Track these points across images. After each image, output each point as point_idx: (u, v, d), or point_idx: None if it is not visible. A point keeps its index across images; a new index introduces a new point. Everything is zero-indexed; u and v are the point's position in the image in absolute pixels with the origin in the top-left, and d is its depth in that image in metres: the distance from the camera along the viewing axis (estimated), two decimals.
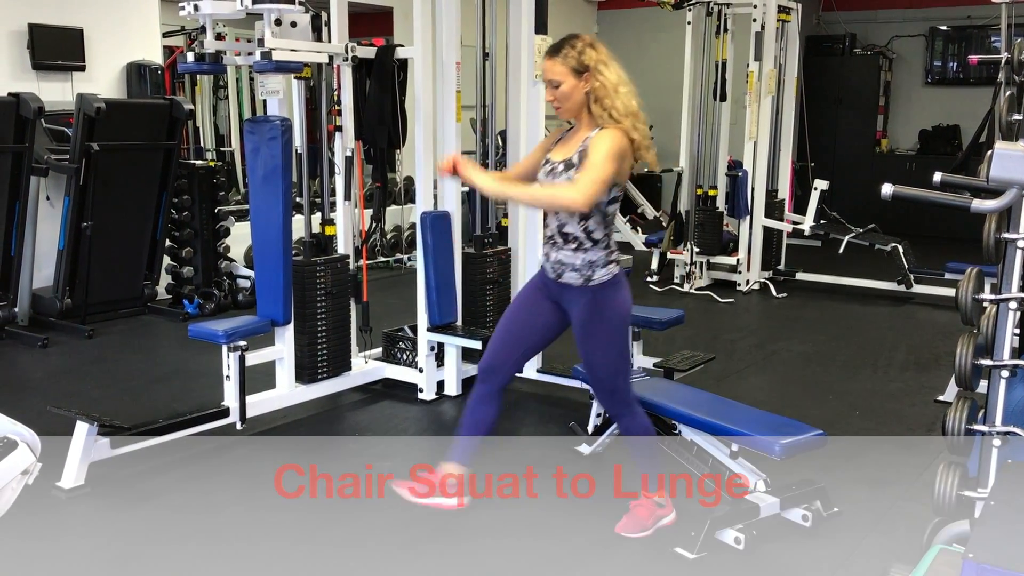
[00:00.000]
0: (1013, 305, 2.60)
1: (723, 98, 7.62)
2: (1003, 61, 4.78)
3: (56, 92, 6.36)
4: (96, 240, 6.03)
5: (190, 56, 3.97)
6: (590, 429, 4.04)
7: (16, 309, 5.94)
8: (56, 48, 6.39)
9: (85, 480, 3.58)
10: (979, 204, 2.57)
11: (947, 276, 6.95)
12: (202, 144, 8.23)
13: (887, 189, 2.67)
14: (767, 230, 7.76)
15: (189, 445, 4.00)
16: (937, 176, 2.67)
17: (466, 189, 5.42)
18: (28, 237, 5.99)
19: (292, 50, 4.07)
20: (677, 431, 3.54)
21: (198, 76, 8.15)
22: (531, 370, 4.85)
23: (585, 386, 4.09)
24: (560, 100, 3.06)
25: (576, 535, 3.30)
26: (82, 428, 3.58)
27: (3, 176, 5.65)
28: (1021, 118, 3.06)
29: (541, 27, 4.72)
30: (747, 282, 7.65)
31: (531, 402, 4.76)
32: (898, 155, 11.25)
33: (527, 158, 3.38)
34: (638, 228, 9.55)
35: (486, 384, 3.30)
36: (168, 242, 6.68)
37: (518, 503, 3.53)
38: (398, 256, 8.30)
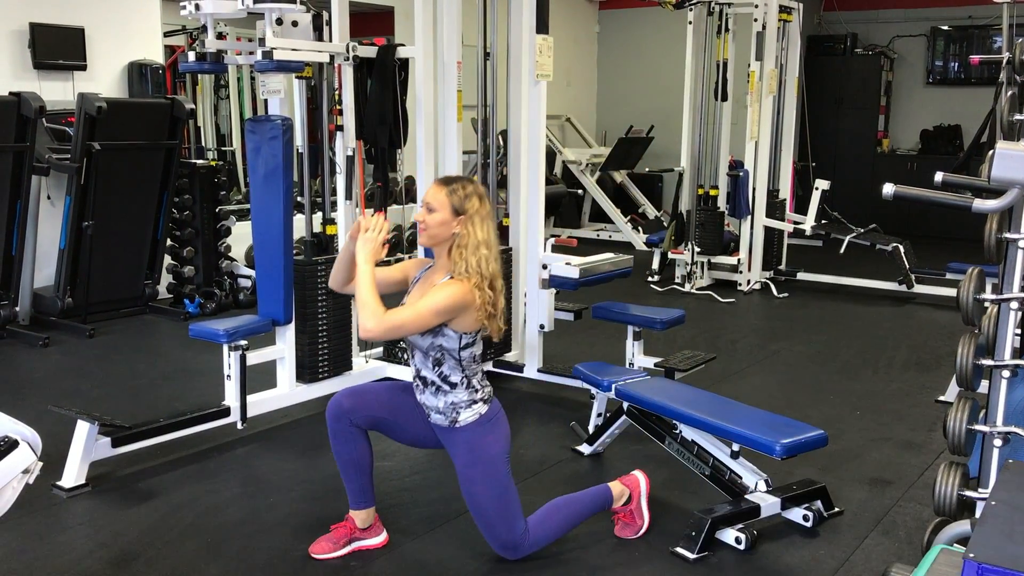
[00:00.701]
0: (1014, 305, 2.60)
1: (724, 98, 7.61)
2: (1004, 61, 4.77)
3: (57, 91, 6.36)
4: (97, 239, 6.04)
5: (191, 55, 3.97)
6: (591, 429, 4.04)
7: (17, 308, 5.95)
8: (57, 47, 6.39)
9: (86, 479, 3.59)
10: (980, 204, 2.57)
11: (948, 276, 6.95)
12: (203, 143, 8.23)
13: (888, 189, 2.67)
14: (768, 230, 7.75)
15: (190, 444, 4.00)
16: (938, 176, 2.67)
17: None
18: (29, 236, 5.99)
19: (293, 49, 4.06)
20: (678, 431, 3.54)
21: (199, 75, 8.15)
22: (532, 370, 4.86)
23: (585, 386, 4.09)
24: (428, 226, 2.94)
25: (575, 533, 3.29)
26: (83, 427, 3.58)
27: (4, 175, 5.65)
28: (1023, 118, 3.06)
29: (542, 27, 4.72)
30: (748, 282, 7.65)
31: (532, 402, 4.76)
32: (899, 155, 11.25)
33: (390, 272, 3.18)
34: (639, 228, 9.56)
35: (339, 424, 3.08)
36: (169, 241, 6.68)
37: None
38: (399, 256, 8.29)
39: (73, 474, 3.56)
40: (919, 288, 7.31)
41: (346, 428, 3.06)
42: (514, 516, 3.02)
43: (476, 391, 3.01)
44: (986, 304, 2.69)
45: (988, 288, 2.70)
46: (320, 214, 4.66)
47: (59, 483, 3.55)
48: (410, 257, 8.09)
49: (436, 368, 2.97)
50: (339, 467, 3.13)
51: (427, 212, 2.96)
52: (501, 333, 3.05)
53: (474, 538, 3.23)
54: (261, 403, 4.28)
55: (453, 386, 2.98)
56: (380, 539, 3.19)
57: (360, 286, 2.87)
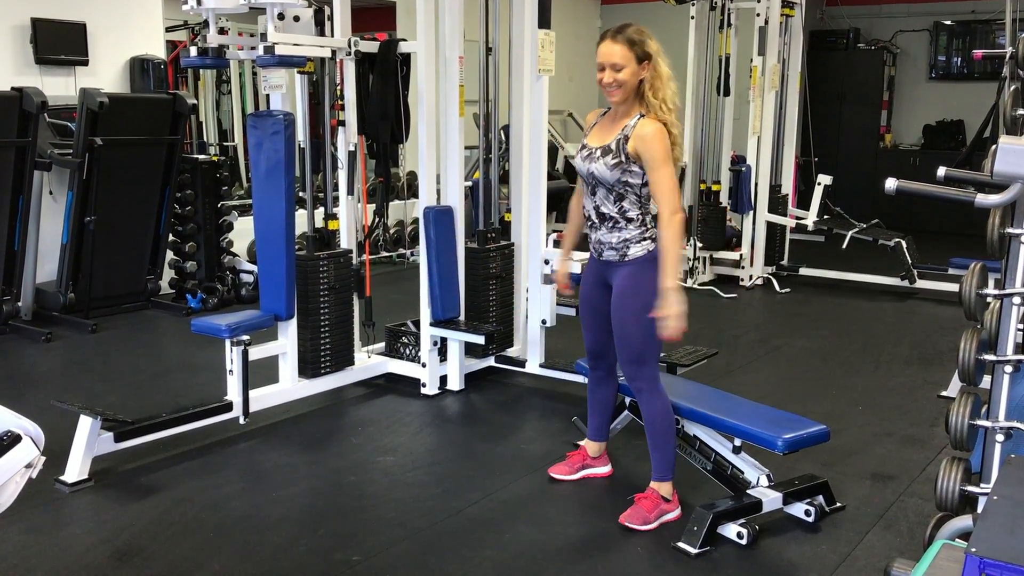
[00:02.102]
0: (1017, 300, 2.60)
1: (727, 93, 7.60)
2: (1008, 56, 4.76)
3: (59, 86, 6.36)
4: (99, 235, 6.04)
5: (193, 50, 3.97)
6: None
7: (20, 303, 5.95)
8: (59, 42, 6.39)
9: (88, 474, 3.60)
10: (983, 199, 2.57)
11: (951, 271, 6.95)
12: (205, 139, 8.23)
13: (891, 184, 2.67)
14: (770, 225, 7.75)
15: (192, 439, 4.01)
16: (941, 171, 2.67)
17: (468, 184, 5.44)
18: (31, 232, 5.99)
19: (295, 44, 4.07)
20: (680, 426, 3.54)
21: (201, 71, 8.15)
22: (534, 365, 4.86)
23: (586, 380, 4.09)
24: (623, 82, 3.10)
25: (578, 528, 3.30)
26: (86, 422, 3.59)
27: (7, 171, 5.65)
28: None
29: (544, 22, 4.71)
30: (750, 277, 7.64)
31: (534, 397, 4.76)
32: (902, 150, 11.23)
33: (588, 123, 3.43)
34: None
35: (597, 369, 3.56)
36: (171, 237, 6.69)
37: (520, 496, 3.54)
38: (401, 251, 8.30)
39: (76, 469, 3.57)
40: (921, 283, 7.30)
41: (602, 371, 3.55)
42: (653, 357, 3.25)
43: (647, 229, 3.21)
44: (989, 299, 2.69)
45: (991, 283, 2.70)
46: (322, 209, 4.66)
47: (62, 478, 3.56)
48: (412, 252, 8.11)
49: (618, 203, 3.20)
50: (588, 403, 3.65)
51: (615, 71, 3.09)
52: (680, 158, 3.27)
53: (477, 529, 3.24)
54: (263, 398, 4.29)
55: (629, 221, 3.20)
56: (607, 469, 3.68)
57: (672, 261, 3.11)
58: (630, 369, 3.31)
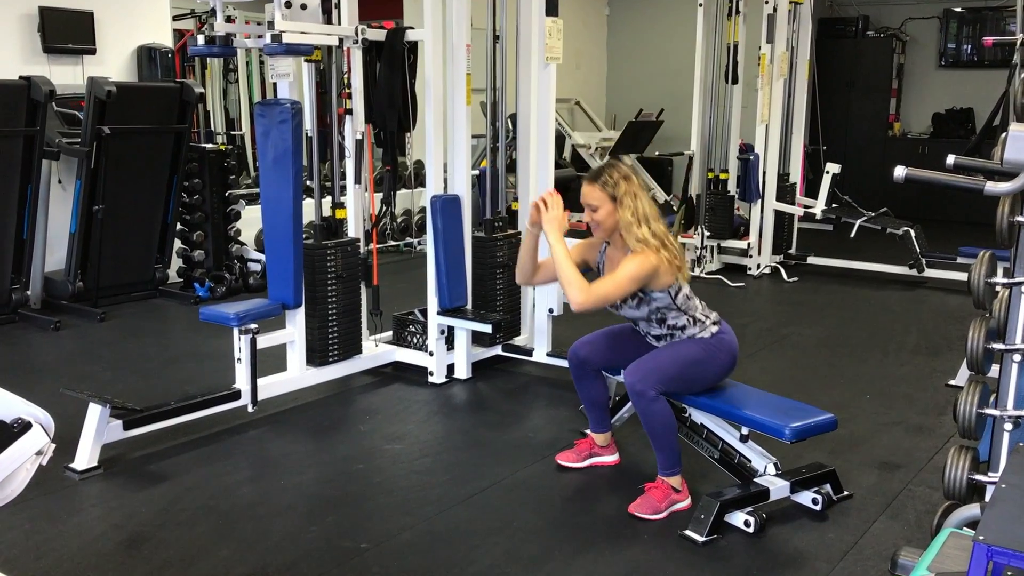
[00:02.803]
0: None
1: (735, 81, 7.58)
2: (1018, 43, 4.74)
3: (67, 75, 6.37)
4: (107, 223, 6.05)
5: (200, 39, 3.97)
6: None
7: (29, 292, 5.98)
8: (67, 31, 6.39)
9: (98, 461, 3.62)
10: (993, 186, 2.55)
11: (959, 260, 6.92)
12: (212, 128, 8.23)
13: (900, 171, 2.66)
14: (778, 214, 7.73)
15: (201, 427, 4.02)
16: (950, 158, 2.66)
17: (475, 172, 5.43)
18: (40, 220, 6.01)
19: (302, 32, 4.06)
20: (687, 414, 3.54)
21: (208, 59, 8.15)
22: (541, 354, 4.86)
23: None
24: (600, 222, 3.32)
25: (585, 516, 3.31)
26: (95, 410, 3.61)
27: (15, 160, 5.67)
28: None
29: (552, 9, 4.70)
30: (758, 266, 7.63)
31: (541, 386, 4.76)
32: (911, 138, 11.18)
33: (576, 251, 3.51)
34: None
35: (581, 372, 3.63)
36: (179, 225, 6.70)
37: (527, 484, 3.54)
38: (408, 240, 8.30)
39: (85, 456, 3.59)
40: (930, 272, 7.28)
41: (584, 373, 3.60)
42: (664, 381, 3.24)
43: (704, 320, 3.37)
44: (997, 288, 2.68)
45: (999, 272, 2.69)
46: (329, 198, 4.66)
47: (71, 465, 3.58)
48: (419, 241, 8.11)
49: (662, 325, 3.36)
50: (581, 399, 3.73)
51: (592, 213, 3.31)
52: (688, 277, 3.39)
53: (485, 517, 3.25)
54: (271, 386, 4.30)
55: (683, 328, 3.34)
56: (614, 458, 3.71)
57: (561, 264, 3.20)
58: (633, 374, 3.28)
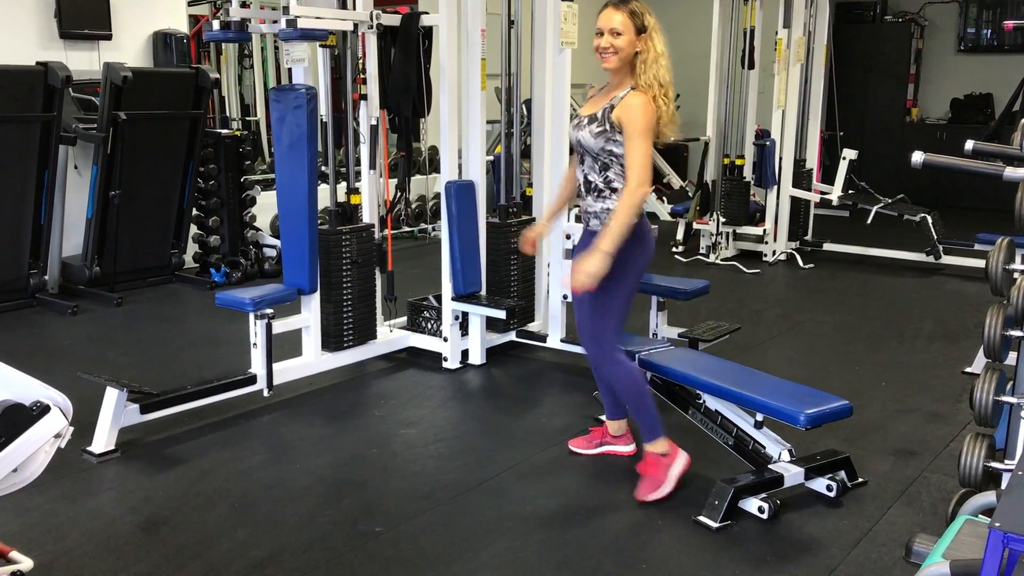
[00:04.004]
0: None
1: (751, 66, 7.52)
2: None
3: (83, 61, 6.39)
4: (124, 209, 6.09)
5: (215, 24, 3.98)
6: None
7: (46, 277, 6.02)
8: (83, 17, 6.41)
9: (115, 445, 3.65)
10: (1012, 172, 2.53)
11: (977, 247, 6.87)
12: (228, 113, 8.24)
13: (918, 157, 2.64)
14: (794, 200, 7.69)
15: (217, 411, 4.05)
16: (969, 144, 2.64)
17: (490, 158, 5.43)
18: (57, 206, 6.05)
19: (317, 18, 4.06)
20: (701, 401, 3.54)
21: (223, 45, 8.15)
22: (555, 340, 4.86)
23: None
24: (619, 48, 3.15)
25: (598, 501, 3.31)
26: (112, 394, 3.63)
27: (32, 145, 5.70)
28: None
29: None
30: (774, 253, 7.60)
31: (555, 372, 4.77)
32: (929, 124, 11.09)
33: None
34: (664, 198, 9.50)
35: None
36: (195, 211, 6.73)
37: (540, 469, 3.55)
38: (422, 226, 8.31)
39: (103, 440, 3.62)
40: (947, 259, 7.23)
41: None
42: (612, 331, 3.25)
43: None
44: (1015, 275, 2.66)
45: (1018, 259, 2.67)
46: (344, 184, 4.66)
47: (89, 448, 3.61)
48: (434, 227, 8.12)
49: (603, 172, 3.23)
50: (597, 382, 3.64)
51: (613, 36, 3.15)
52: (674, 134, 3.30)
53: (499, 502, 3.26)
54: (287, 371, 4.32)
55: (613, 191, 3.21)
56: (629, 448, 3.65)
57: (622, 224, 3.08)
58: (588, 343, 3.35)
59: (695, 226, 7.77)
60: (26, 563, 2.28)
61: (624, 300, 3.27)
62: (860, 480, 3.42)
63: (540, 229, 3.76)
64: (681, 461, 3.33)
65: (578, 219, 4.80)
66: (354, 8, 4.43)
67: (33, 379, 1.96)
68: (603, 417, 3.76)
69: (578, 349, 4.78)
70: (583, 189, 3.31)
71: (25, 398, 1.87)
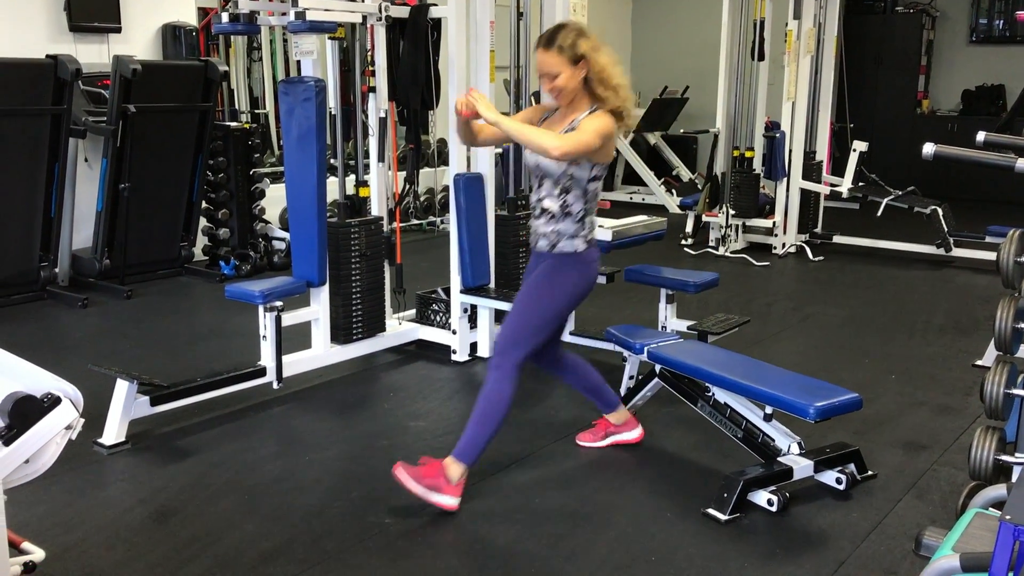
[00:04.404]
0: None
1: (761, 58, 7.49)
2: None
3: (93, 54, 6.40)
4: (134, 202, 6.10)
5: (224, 17, 3.98)
6: (623, 391, 4.04)
7: (56, 269, 6.04)
8: (92, 10, 6.41)
9: (126, 437, 3.66)
10: None
11: (988, 239, 6.85)
12: (237, 106, 8.24)
13: (929, 148, 2.62)
14: (804, 192, 7.67)
15: (227, 403, 4.06)
16: (980, 135, 2.62)
17: (499, 151, 5.43)
18: (67, 199, 6.07)
19: (326, 10, 4.06)
20: (710, 393, 3.54)
21: (232, 37, 8.14)
22: (564, 333, 4.85)
23: (618, 348, 4.09)
24: (561, 90, 3.13)
25: (607, 494, 3.32)
26: (122, 386, 3.65)
27: (42, 138, 5.71)
28: None
29: None
30: (783, 245, 7.58)
31: None
32: (940, 116, 11.03)
33: (521, 115, 3.47)
34: (673, 190, 9.49)
35: (549, 367, 3.60)
36: (204, 204, 6.74)
37: (549, 462, 3.55)
38: (431, 219, 8.31)
39: (113, 432, 3.64)
40: (957, 251, 7.20)
41: (557, 367, 3.58)
42: (527, 346, 3.19)
43: (583, 228, 3.21)
44: None
45: None
46: (353, 176, 4.67)
47: (100, 440, 3.63)
48: (442, 220, 8.12)
49: (562, 196, 3.17)
50: (574, 386, 3.67)
51: (551, 80, 3.12)
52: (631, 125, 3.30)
53: (507, 494, 3.26)
54: (296, 363, 4.33)
55: (567, 216, 3.18)
56: (635, 435, 3.69)
57: (520, 128, 3.06)
58: (502, 345, 3.20)
59: (704, 219, 7.76)
60: (38, 554, 2.29)
61: (545, 318, 3.21)
62: (870, 473, 3.41)
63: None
64: (446, 502, 3.11)
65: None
66: (363, 0, 4.42)
67: (44, 371, 1.97)
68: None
69: (586, 341, 4.79)
70: (537, 211, 3.25)
71: (36, 390, 1.88)
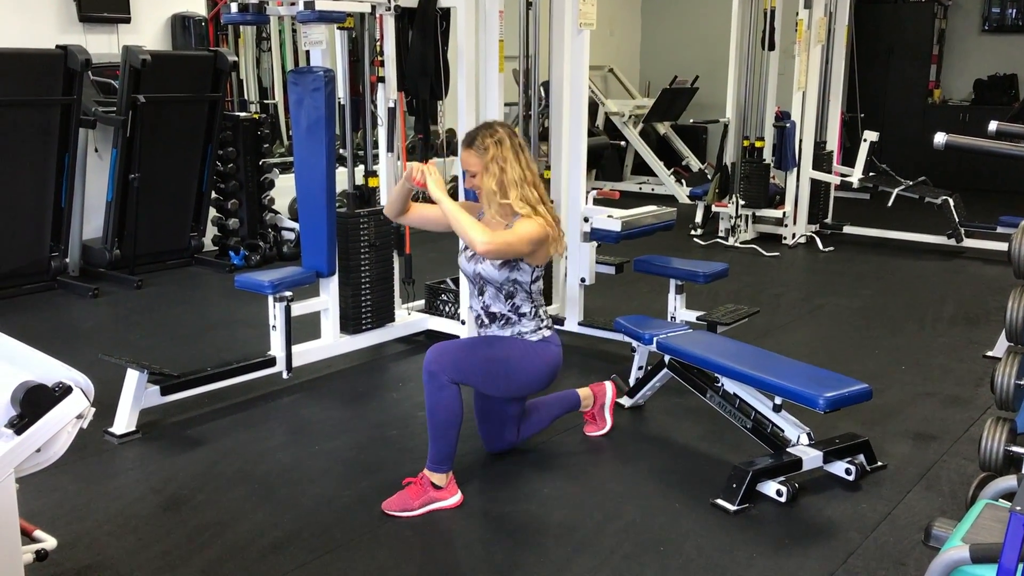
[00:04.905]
0: None
1: (771, 47, 7.46)
2: None
3: (102, 44, 6.41)
4: (143, 192, 6.12)
5: (234, 7, 3.97)
6: (631, 382, 4.04)
7: (67, 260, 6.07)
8: (102, 0, 6.42)
9: (136, 426, 3.68)
10: None
11: (999, 230, 6.81)
12: (246, 96, 8.25)
13: (940, 138, 2.61)
14: (814, 183, 7.63)
15: (237, 393, 4.08)
16: (993, 125, 2.60)
17: None
18: (77, 189, 6.09)
19: (335, 0, 4.05)
20: (719, 384, 3.53)
21: (241, 27, 8.14)
22: (573, 323, 4.86)
23: (627, 339, 4.09)
24: (483, 188, 3.16)
25: (616, 484, 3.32)
26: (133, 376, 3.67)
27: (52, 128, 5.73)
28: None
29: None
30: (793, 236, 7.55)
31: (573, 355, 4.76)
32: (951, 106, 10.96)
33: (433, 210, 3.34)
34: (682, 180, 9.46)
35: (496, 431, 3.49)
36: (214, 194, 6.76)
37: (559, 452, 3.56)
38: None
39: (124, 421, 3.65)
40: (969, 242, 7.16)
41: (522, 435, 3.53)
42: (467, 381, 3.17)
43: (542, 320, 3.28)
44: None
45: None
46: (362, 166, 4.66)
47: (111, 430, 3.65)
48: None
49: (508, 301, 3.22)
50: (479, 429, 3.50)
51: (472, 177, 3.18)
52: (562, 251, 3.37)
53: (516, 484, 3.27)
54: (306, 353, 4.34)
55: (522, 316, 3.23)
56: (609, 396, 3.73)
57: (457, 216, 3.07)
58: (443, 364, 3.11)
59: (714, 209, 7.73)
60: (50, 542, 2.30)
61: (491, 377, 3.19)
62: (879, 464, 3.41)
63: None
64: (451, 501, 3.11)
65: (596, 201, 4.81)
66: None
67: (55, 360, 1.98)
68: (619, 399, 3.77)
69: (595, 332, 4.79)
70: (486, 319, 3.26)
71: (47, 379, 1.89)
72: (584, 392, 3.69)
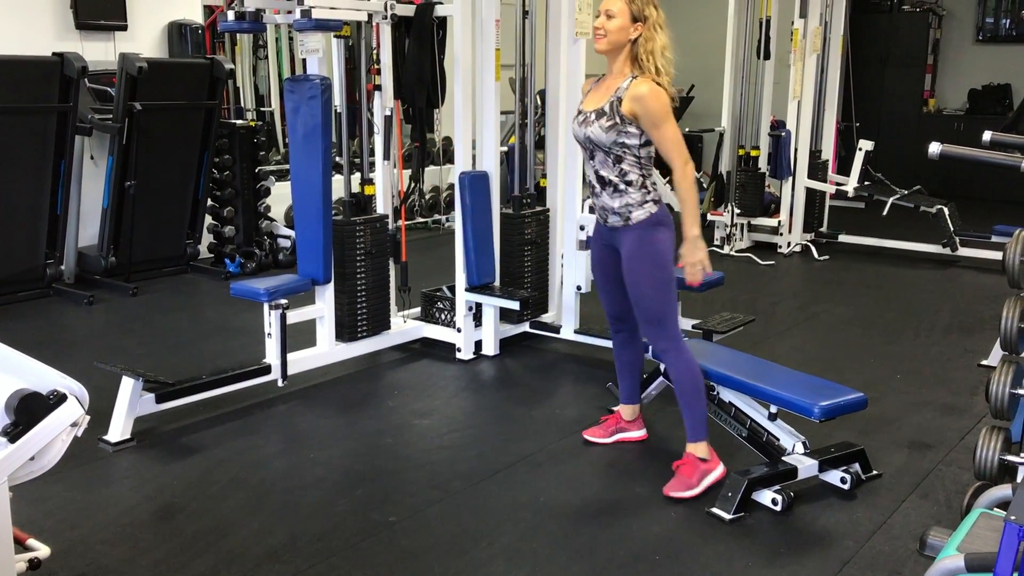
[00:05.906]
0: None
1: (767, 56, 7.48)
2: None
3: (99, 52, 6.41)
4: (139, 199, 6.11)
5: (230, 15, 3.98)
6: None
7: (62, 267, 6.05)
8: (99, 8, 6.42)
9: (131, 434, 3.67)
10: None
11: (994, 239, 6.83)
12: (242, 104, 8.25)
13: (935, 148, 2.62)
14: (810, 191, 7.65)
15: (232, 401, 4.07)
16: (987, 135, 2.62)
17: (504, 149, 5.44)
18: (73, 196, 6.08)
19: (331, 8, 4.06)
20: (715, 392, 3.53)
21: (238, 35, 8.15)
22: (568, 331, 4.86)
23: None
24: (608, 32, 3.15)
25: (612, 492, 3.32)
26: (128, 383, 3.66)
27: (48, 135, 5.73)
28: None
29: None
30: (788, 244, 7.57)
31: (568, 363, 4.77)
32: (946, 115, 11.00)
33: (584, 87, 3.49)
34: None
35: (619, 331, 3.59)
36: (209, 201, 6.75)
37: (555, 460, 3.56)
38: (436, 217, 8.31)
39: (119, 429, 3.64)
40: (963, 251, 7.18)
41: (625, 336, 3.58)
42: (671, 316, 3.29)
43: (648, 192, 3.25)
44: None
45: None
46: (358, 174, 4.67)
47: (105, 437, 3.64)
48: (448, 218, 8.12)
49: (616, 165, 3.22)
50: (616, 366, 3.68)
51: (607, 18, 3.15)
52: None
53: (512, 492, 3.26)
54: (301, 361, 4.34)
55: (629, 184, 3.22)
56: (641, 433, 3.70)
57: (690, 210, 3.19)
58: (650, 331, 3.35)
59: (710, 217, 7.74)
60: (43, 551, 2.30)
61: (666, 282, 3.26)
62: (874, 473, 3.41)
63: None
64: (717, 472, 3.29)
65: (591, 210, 4.80)
66: None
67: (50, 368, 1.97)
68: (615, 408, 3.77)
69: (592, 340, 4.79)
70: (597, 185, 3.29)
71: (42, 387, 1.89)
72: (636, 410, 3.72)
